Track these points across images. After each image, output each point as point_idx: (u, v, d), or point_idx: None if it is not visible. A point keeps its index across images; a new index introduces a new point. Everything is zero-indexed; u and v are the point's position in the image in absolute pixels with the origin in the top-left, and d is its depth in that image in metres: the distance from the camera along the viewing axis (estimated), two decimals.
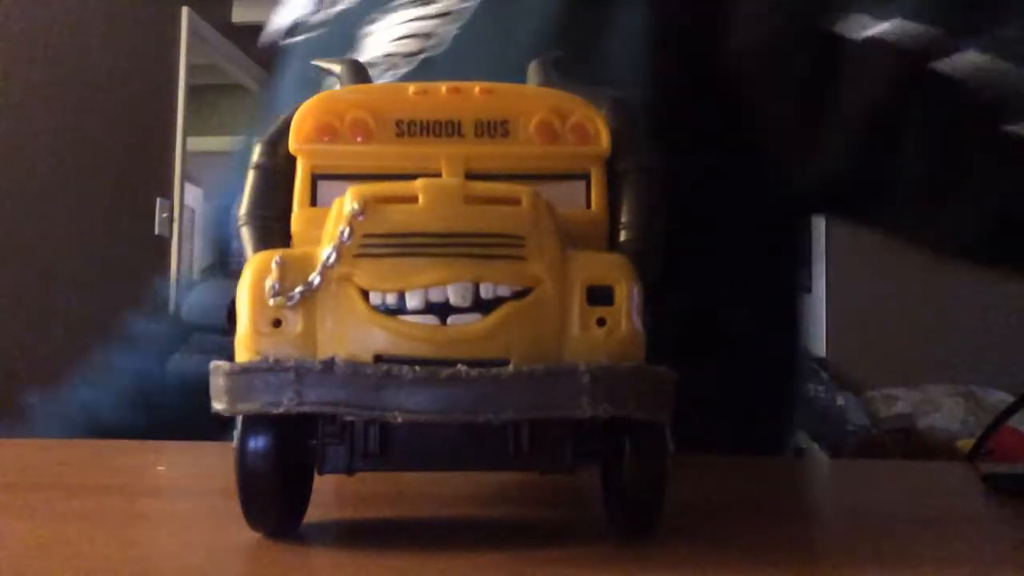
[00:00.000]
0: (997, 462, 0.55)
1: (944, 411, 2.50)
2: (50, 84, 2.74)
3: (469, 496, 0.39)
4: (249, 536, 0.30)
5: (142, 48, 3.23)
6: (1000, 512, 0.41)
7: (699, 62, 0.56)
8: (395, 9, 0.64)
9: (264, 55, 0.79)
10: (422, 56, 0.61)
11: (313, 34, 0.71)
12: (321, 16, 0.72)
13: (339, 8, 0.70)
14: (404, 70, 0.62)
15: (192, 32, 3.54)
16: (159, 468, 0.49)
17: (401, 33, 0.63)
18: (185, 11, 3.47)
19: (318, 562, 0.29)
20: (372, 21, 0.65)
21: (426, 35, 0.62)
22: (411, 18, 0.63)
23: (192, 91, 3.57)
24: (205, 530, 0.34)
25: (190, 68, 3.53)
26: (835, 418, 2.40)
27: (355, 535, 0.32)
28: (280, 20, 0.78)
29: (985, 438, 0.55)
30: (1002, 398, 2.46)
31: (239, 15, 3.95)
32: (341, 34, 0.67)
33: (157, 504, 0.40)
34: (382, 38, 0.64)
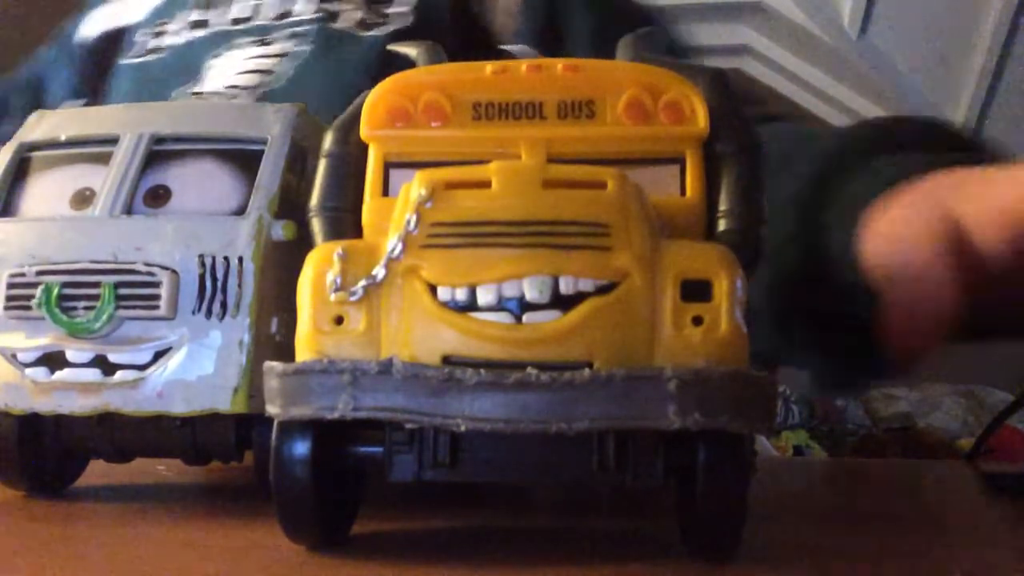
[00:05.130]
0: (998, 461, 0.66)
1: (944, 411, 2.99)
2: None
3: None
4: (248, 536, 0.39)
5: None
6: (1001, 512, 0.51)
7: None
8: (239, 47, 0.91)
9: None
10: (261, 90, 0.87)
11: (148, 59, 0.96)
12: (154, 43, 0.97)
13: (181, 40, 0.95)
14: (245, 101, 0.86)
15: None
16: (159, 468, 0.59)
17: (243, 68, 0.89)
18: None
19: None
20: (216, 56, 0.91)
21: (266, 71, 0.88)
22: (252, 56, 0.89)
23: None
24: (202, 531, 0.42)
25: None
26: (835, 417, 2.87)
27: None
28: (104, 25, 1.04)
29: (985, 438, 0.69)
30: (1002, 398, 2.96)
31: None
32: (183, 63, 0.93)
33: (157, 503, 0.50)
34: (226, 71, 0.89)
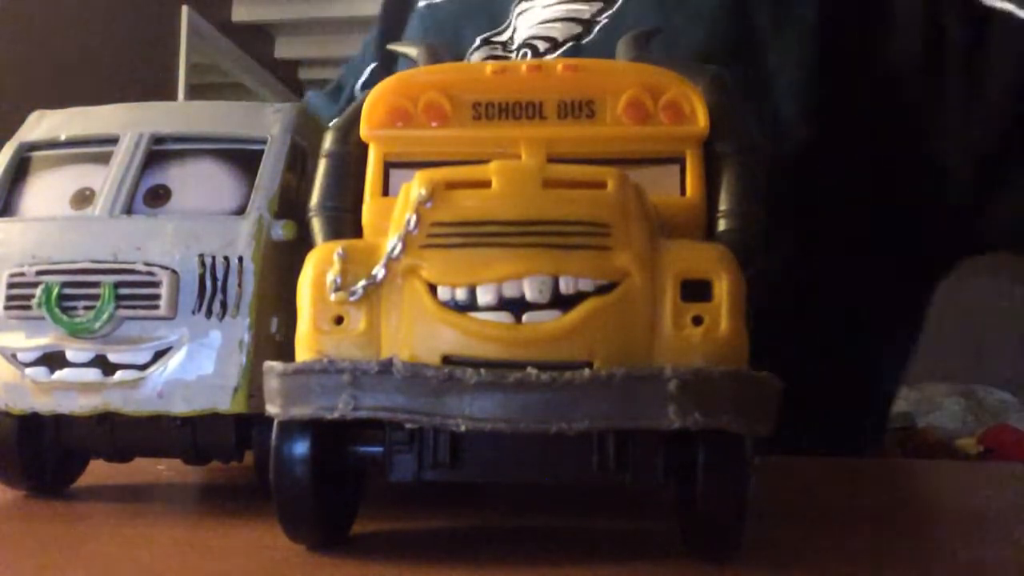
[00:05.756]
0: (998, 461, 0.69)
1: (944, 410, 3.05)
2: (49, 83, 3.14)
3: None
4: (248, 536, 0.40)
5: (142, 47, 3.76)
6: (1002, 510, 0.52)
7: (862, 66, 0.72)
8: None
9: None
10: (573, 43, 0.78)
11: (441, 0, 0.89)
12: None
13: None
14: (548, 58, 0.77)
15: (192, 31, 4.07)
16: (159, 468, 0.59)
17: (555, 15, 0.80)
18: (185, 9, 4.02)
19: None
20: None
21: (585, 20, 0.79)
22: (566, 0, 0.79)
23: (192, 90, 4.07)
24: (202, 531, 0.43)
25: (190, 67, 4.06)
26: None
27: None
28: None
29: None
30: (1002, 398, 3.08)
31: (239, 14, 4.56)
32: (481, 6, 0.86)
33: (157, 503, 0.51)
34: (536, 18, 0.80)
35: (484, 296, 0.35)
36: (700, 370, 0.34)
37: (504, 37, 0.83)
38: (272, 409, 0.36)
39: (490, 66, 0.40)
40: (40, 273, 0.45)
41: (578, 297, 0.35)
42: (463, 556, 0.38)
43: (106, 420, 0.46)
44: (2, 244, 0.46)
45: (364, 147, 0.41)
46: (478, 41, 0.84)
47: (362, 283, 0.36)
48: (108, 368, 0.44)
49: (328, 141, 0.42)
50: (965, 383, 3.27)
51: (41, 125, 0.50)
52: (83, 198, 0.47)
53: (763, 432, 0.35)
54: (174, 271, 0.44)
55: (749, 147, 0.40)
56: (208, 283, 0.44)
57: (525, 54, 0.80)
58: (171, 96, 4.01)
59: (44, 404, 0.45)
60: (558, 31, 0.80)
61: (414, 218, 0.35)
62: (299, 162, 0.48)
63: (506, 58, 0.82)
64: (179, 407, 0.44)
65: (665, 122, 0.40)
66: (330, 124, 0.43)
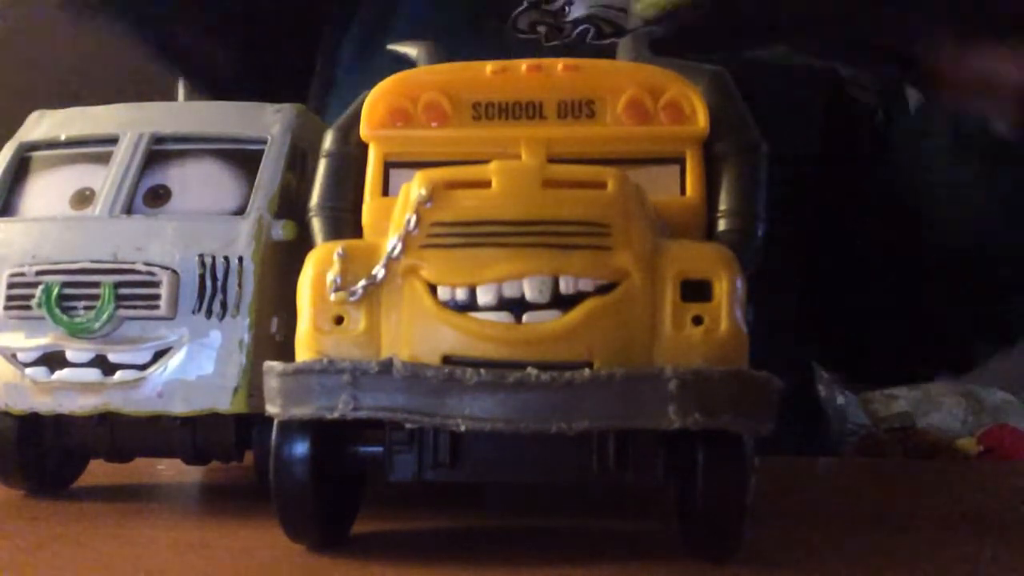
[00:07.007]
0: (998, 461, 0.70)
1: (944, 411, 2.93)
2: (49, 83, 3.17)
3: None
4: (248, 536, 0.40)
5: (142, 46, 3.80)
6: (1003, 510, 0.53)
7: None
8: None
9: None
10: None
11: None
12: None
13: None
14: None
15: None
16: (159, 468, 0.59)
17: None
18: None
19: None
20: None
21: None
22: None
23: (192, 90, 4.11)
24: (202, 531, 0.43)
25: None
26: (835, 417, 2.92)
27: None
28: None
29: None
30: (1002, 398, 2.91)
31: None
32: None
33: (157, 503, 0.51)
34: None
35: (484, 296, 0.35)
36: (700, 370, 0.34)
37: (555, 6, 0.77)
38: (272, 409, 0.36)
39: (490, 66, 0.40)
40: (40, 273, 0.45)
41: (578, 297, 0.35)
42: (463, 556, 0.39)
43: (106, 420, 0.46)
44: (2, 244, 0.46)
45: (364, 147, 0.41)
46: (526, 3, 0.79)
47: (362, 283, 0.36)
48: (108, 368, 0.44)
49: (328, 141, 0.42)
50: (965, 383, 3.27)
51: (41, 125, 0.50)
52: (83, 198, 0.47)
53: (763, 432, 0.35)
54: (174, 271, 0.44)
55: (749, 147, 0.40)
56: (208, 283, 0.44)
57: (586, 31, 0.79)
58: (171, 96, 4.05)
59: (44, 404, 0.45)
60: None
61: (414, 218, 0.35)
62: (299, 162, 0.48)
63: (558, 30, 0.79)
64: (179, 407, 0.44)
65: (665, 122, 0.40)
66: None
